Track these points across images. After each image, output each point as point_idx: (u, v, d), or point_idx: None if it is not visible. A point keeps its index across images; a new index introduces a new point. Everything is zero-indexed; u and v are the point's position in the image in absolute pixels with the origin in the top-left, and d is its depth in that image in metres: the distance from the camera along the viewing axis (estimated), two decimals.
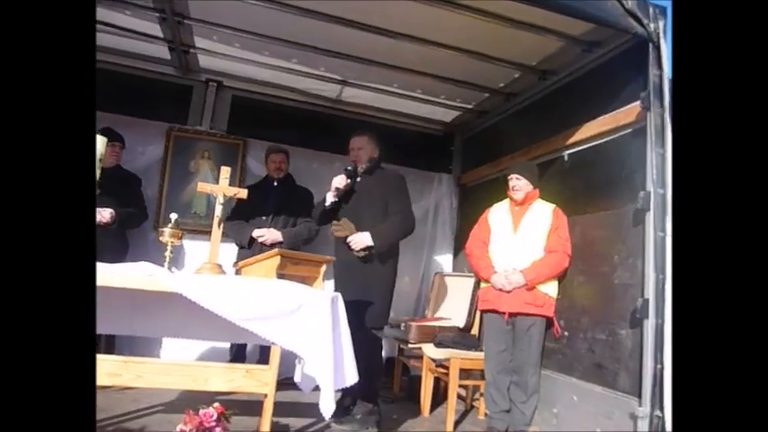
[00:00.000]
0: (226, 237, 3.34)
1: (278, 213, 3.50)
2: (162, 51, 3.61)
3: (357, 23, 2.93)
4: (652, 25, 2.37)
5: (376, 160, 3.05)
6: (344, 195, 2.93)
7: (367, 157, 3.01)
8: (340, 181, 2.90)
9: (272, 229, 3.41)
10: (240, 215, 3.48)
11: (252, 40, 3.28)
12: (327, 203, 2.94)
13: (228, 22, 3.12)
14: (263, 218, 3.48)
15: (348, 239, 2.80)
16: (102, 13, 3.10)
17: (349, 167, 2.96)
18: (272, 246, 3.32)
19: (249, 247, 3.40)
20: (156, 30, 3.29)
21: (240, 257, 3.34)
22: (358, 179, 2.97)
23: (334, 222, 2.87)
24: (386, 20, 2.89)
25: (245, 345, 3.46)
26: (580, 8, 2.30)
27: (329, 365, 1.80)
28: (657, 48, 2.37)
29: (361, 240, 2.78)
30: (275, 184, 3.61)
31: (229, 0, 2.78)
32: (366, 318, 2.82)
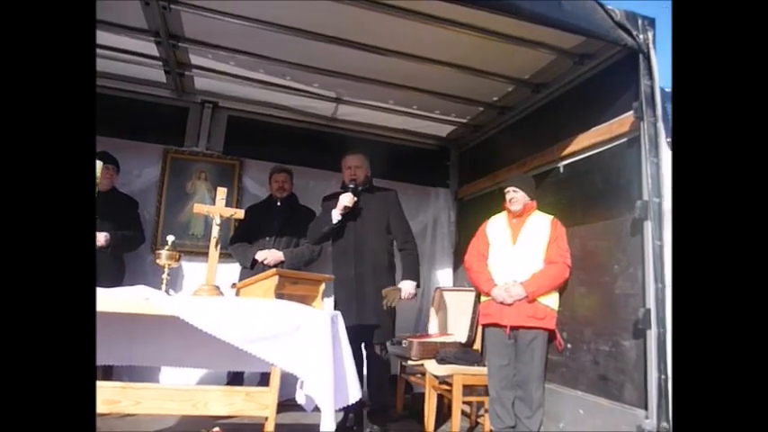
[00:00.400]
0: (226, 258, 3.35)
1: (281, 234, 3.49)
2: (158, 74, 3.63)
3: (350, 42, 2.96)
4: (641, 36, 2.40)
5: (370, 179, 3.11)
6: (349, 213, 2.97)
7: (364, 175, 3.07)
8: (348, 199, 2.93)
9: (273, 250, 3.40)
10: (243, 236, 3.48)
11: (246, 60, 3.31)
12: (335, 221, 2.98)
13: (223, 43, 3.14)
14: (267, 239, 3.46)
15: (399, 299, 2.96)
16: (98, 37, 3.13)
17: (351, 185, 2.99)
18: (275, 267, 3.31)
19: (252, 269, 3.38)
20: (152, 49, 3.31)
21: (243, 278, 3.33)
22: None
23: (384, 294, 2.94)
24: (379, 38, 2.92)
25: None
26: (570, 22, 2.32)
27: (329, 386, 1.77)
28: (648, 58, 2.40)
29: (410, 292, 2.99)
30: (278, 204, 3.60)
31: (221, 20, 2.80)
32: (372, 335, 2.86)
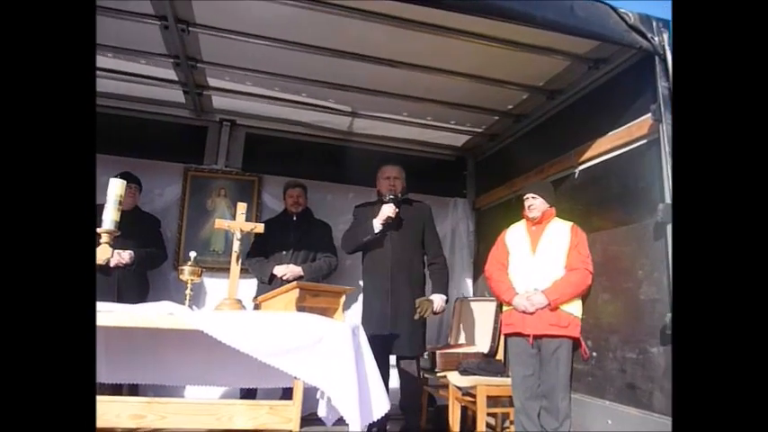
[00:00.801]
0: (246, 273, 3.38)
1: (298, 248, 3.51)
2: (177, 95, 3.73)
3: (363, 56, 3.00)
4: (656, 38, 2.38)
5: (406, 190, 3.20)
6: (390, 224, 3.02)
7: (401, 186, 3.11)
8: (391, 210, 2.97)
9: (291, 266, 3.42)
10: (260, 251, 3.51)
11: (262, 78, 3.37)
12: (376, 231, 3.01)
13: (239, 63, 3.21)
14: (284, 253, 3.48)
15: (431, 311, 2.99)
16: (119, 63, 3.24)
17: (392, 195, 3.01)
18: (293, 281, 3.33)
19: (270, 283, 3.40)
20: (171, 74, 3.41)
21: (260, 293, 3.35)
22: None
23: (417, 304, 2.96)
24: (391, 51, 2.95)
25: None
26: (584, 28, 2.32)
27: (354, 398, 1.76)
28: (664, 60, 2.38)
29: (441, 305, 3.02)
30: (294, 218, 3.63)
31: (238, 41, 2.87)
32: (405, 348, 2.85)
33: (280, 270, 3.39)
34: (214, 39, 2.88)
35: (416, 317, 2.94)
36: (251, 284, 3.55)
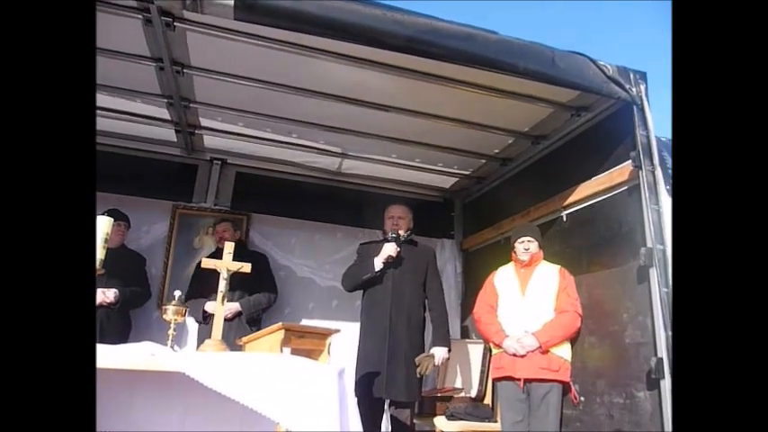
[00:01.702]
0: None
1: (232, 285, 3.36)
2: (168, 134, 3.77)
3: (354, 99, 3.08)
4: (634, 89, 2.49)
5: (411, 231, 3.18)
6: (391, 263, 3.01)
7: (406, 226, 3.12)
8: (393, 249, 2.98)
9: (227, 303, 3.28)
10: (196, 292, 3.36)
11: (254, 119, 3.43)
12: (377, 269, 3.00)
13: (232, 104, 3.28)
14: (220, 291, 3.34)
15: (433, 367, 2.95)
16: (114, 102, 3.29)
17: (394, 235, 3.03)
18: (232, 318, 3.27)
19: (205, 322, 3.29)
20: (164, 113, 3.46)
21: (201, 336, 3.26)
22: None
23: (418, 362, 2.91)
24: (382, 95, 3.04)
25: None
26: (564, 78, 2.42)
27: None
28: (642, 109, 2.48)
29: (443, 358, 2.98)
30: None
31: (232, 83, 2.94)
32: (400, 393, 2.79)
33: (210, 306, 3.24)
34: (207, 80, 2.95)
35: (418, 375, 2.86)
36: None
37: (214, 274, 3.31)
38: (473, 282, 4.02)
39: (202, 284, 3.35)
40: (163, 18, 2.38)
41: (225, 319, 3.19)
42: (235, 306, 3.34)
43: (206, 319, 3.32)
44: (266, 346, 2.20)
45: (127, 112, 3.43)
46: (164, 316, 2.17)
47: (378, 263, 2.98)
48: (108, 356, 1.70)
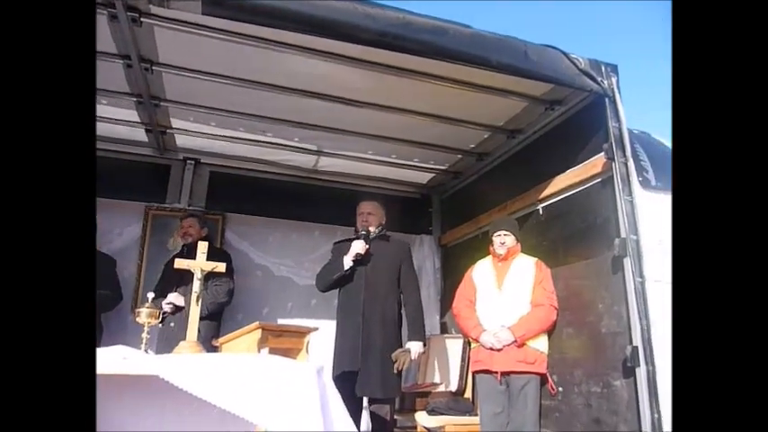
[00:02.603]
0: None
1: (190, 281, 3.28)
2: (139, 134, 3.68)
3: (328, 96, 3.05)
4: (606, 82, 2.52)
5: (384, 227, 3.14)
6: (361, 260, 2.97)
7: (377, 222, 3.10)
8: (360, 246, 2.94)
9: (174, 294, 3.18)
10: (160, 294, 3.19)
11: (227, 118, 3.38)
12: (346, 268, 2.96)
13: (203, 102, 3.22)
14: (179, 289, 3.21)
15: (410, 362, 2.92)
16: None
17: (363, 232, 3.00)
18: (173, 313, 3.16)
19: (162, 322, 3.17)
20: (133, 115, 3.37)
21: (161, 335, 3.19)
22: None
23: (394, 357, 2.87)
24: (355, 91, 3.01)
25: None
26: (537, 71, 2.44)
27: None
28: (614, 101, 2.52)
29: (419, 353, 2.94)
30: (185, 251, 3.33)
31: (203, 80, 2.88)
32: (378, 389, 2.77)
33: (165, 304, 3.12)
34: (177, 78, 2.89)
35: (395, 370, 2.84)
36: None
37: (179, 274, 3.25)
38: (452, 277, 4.03)
39: (166, 285, 3.28)
40: (129, 13, 2.31)
41: (170, 314, 3.13)
42: (180, 299, 3.17)
43: (163, 320, 3.19)
44: (243, 346, 2.16)
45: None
46: (137, 319, 2.11)
47: (347, 261, 2.95)
48: None
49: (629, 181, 2.41)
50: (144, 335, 2.05)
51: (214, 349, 2.68)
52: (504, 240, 2.94)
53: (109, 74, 2.84)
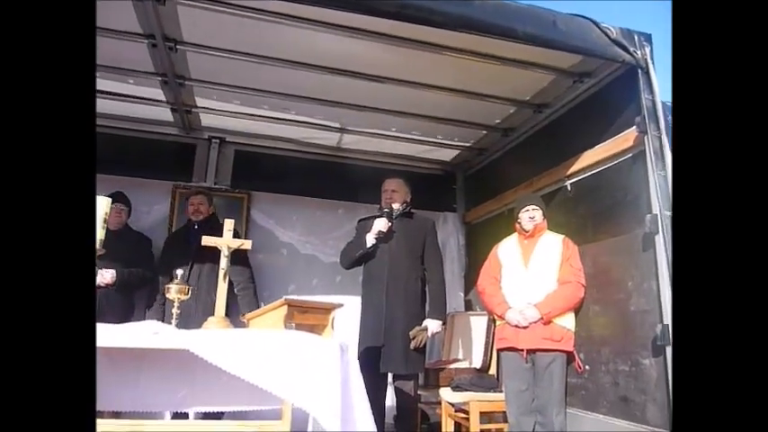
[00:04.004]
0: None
1: (198, 259, 3.24)
2: (165, 113, 3.72)
3: (351, 72, 3.01)
4: (638, 52, 2.42)
5: (409, 204, 3.11)
6: (384, 237, 2.97)
7: (401, 200, 3.09)
8: (383, 224, 2.95)
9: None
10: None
11: (251, 96, 3.38)
12: (369, 245, 2.98)
13: (227, 80, 3.22)
14: (185, 267, 3.12)
15: (426, 339, 2.91)
16: (106, 84, 3.23)
17: (386, 209, 3.00)
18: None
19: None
20: (159, 94, 3.41)
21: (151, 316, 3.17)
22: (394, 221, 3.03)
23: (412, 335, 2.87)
24: (378, 67, 2.97)
25: None
26: (566, 41, 2.35)
27: (338, 420, 1.72)
28: (647, 73, 2.42)
29: (436, 331, 2.96)
30: (196, 227, 3.38)
31: (227, 58, 2.88)
32: (401, 365, 2.80)
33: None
34: (201, 56, 2.89)
35: (412, 347, 2.86)
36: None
37: (179, 247, 3.29)
38: (476, 254, 4.00)
39: (168, 261, 3.30)
40: None
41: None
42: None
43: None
44: (270, 321, 2.20)
45: (120, 93, 3.38)
46: (167, 295, 2.17)
47: (369, 239, 2.96)
48: (111, 335, 1.71)
49: (662, 155, 2.32)
50: (174, 310, 2.11)
51: (242, 325, 2.74)
52: (533, 215, 2.88)
53: (134, 54, 2.87)
